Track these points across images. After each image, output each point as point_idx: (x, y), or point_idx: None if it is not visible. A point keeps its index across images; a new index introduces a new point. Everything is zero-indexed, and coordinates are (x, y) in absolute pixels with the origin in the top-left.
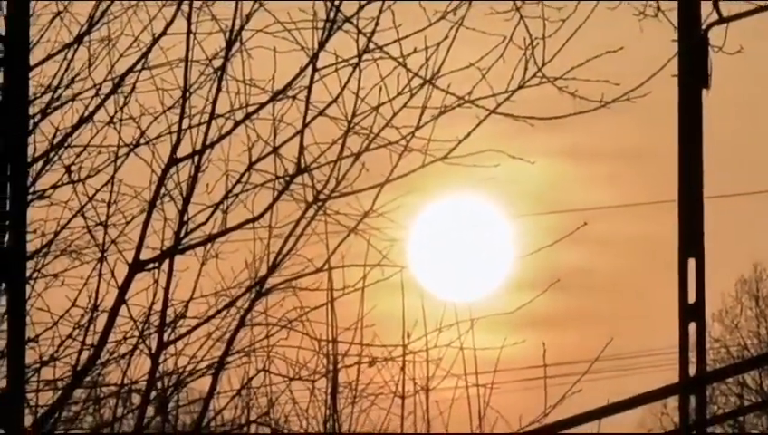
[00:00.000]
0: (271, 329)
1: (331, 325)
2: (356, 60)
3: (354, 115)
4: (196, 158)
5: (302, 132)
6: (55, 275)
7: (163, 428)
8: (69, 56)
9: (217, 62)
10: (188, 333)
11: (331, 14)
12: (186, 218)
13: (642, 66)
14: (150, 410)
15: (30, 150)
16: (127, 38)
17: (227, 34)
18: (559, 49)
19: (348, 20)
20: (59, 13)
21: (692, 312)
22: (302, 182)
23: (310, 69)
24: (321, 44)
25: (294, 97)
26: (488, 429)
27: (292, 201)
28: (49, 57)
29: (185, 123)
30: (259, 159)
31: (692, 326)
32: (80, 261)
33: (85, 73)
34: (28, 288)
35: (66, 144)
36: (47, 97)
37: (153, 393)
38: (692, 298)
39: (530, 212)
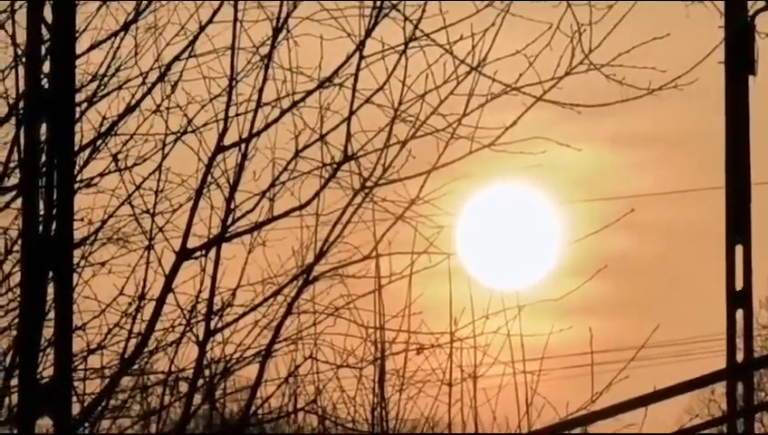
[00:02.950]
0: (318, 317)
1: (379, 313)
2: (402, 47)
3: (401, 103)
4: (243, 146)
5: (348, 120)
6: (102, 264)
7: (210, 415)
8: (115, 44)
9: (264, 50)
10: (235, 320)
11: (378, 2)
12: (232, 206)
13: (689, 53)
14: (197, 398)
15: (77, 139)
16: (173, 26)
17: (274, 22)
18: (605, 36)
19: (394, 7)
20: (105, 1)
21: (739, 298)
22: (348, 170)
23: (356, 56)
24: (368, 32)
25: (341, 85)
26: (535, 416)
27: (339, 189)
28: (95, 45)
29: (231, 111)
30: (306, 147)
31: (739, 313)
32: (127, 249)
33: (131, 62)
34: (75, 276)
35: (113, 132)
36: (93, 85)
37: (200, 381)
38: (739, 285)
39: (576, 199)
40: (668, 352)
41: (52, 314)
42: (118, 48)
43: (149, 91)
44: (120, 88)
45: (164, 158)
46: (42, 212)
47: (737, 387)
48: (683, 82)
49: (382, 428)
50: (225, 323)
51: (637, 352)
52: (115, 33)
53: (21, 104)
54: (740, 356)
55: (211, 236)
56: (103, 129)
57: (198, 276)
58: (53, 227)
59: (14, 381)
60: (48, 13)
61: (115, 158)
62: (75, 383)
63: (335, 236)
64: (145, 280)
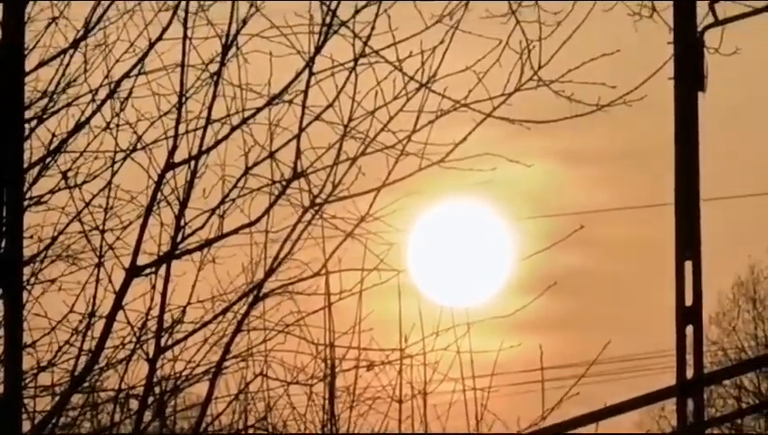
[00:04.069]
0: (268, 333)
1: (329, 329)
2: (352, 64)
3: (350, 119)
4: (193, 163)
5: (298, 137)
6: (52, 281)
7: (161, 433)
8: (65, 61)
9: (213, 67)
10: (186, 338)
11: (327, 18)
12: (182, 223)
13: (638, 69)
14: (148, 415)
15: (26, 156)
16: (123, 43)
17: (223, 39)
18: (555, 52)
19: (344, 24)
20: (55, 18)
21: (689, 314)
22: (298, 186)
23: (306, 73)
24: (318, 49)
25: (291, 101)
26: (486, 431)
27: (289, 206)
28: (44, 62)
29: (181, 128)
30: (255, 164)
31: (689, 329)
32: (77, 266)
33: (81, 79)
34: (25, 294)
35: (62, 149)
36: (43, 102)
37: (150, 398)
38: (689, 301)
39: (527, 215)
40: (619, 369)
41: (1, 332)
42: (67, 65)
43: (99, 108)
44: (69, 105)
45: (113, 175)
46: None
47: (687, 403)
48: (632, 97)
49: None
50: (175, 341)
51: (587, 368)
52: (64, 51)
53: None
54: (690, 372)
55: (161, 254)
56: (53, 146)
57: (148, 293)
58: (3, 244)
59: None
60: None
61: (65, 175)
62: (25, 401)
63: (285, 253)
64: (95, 297)
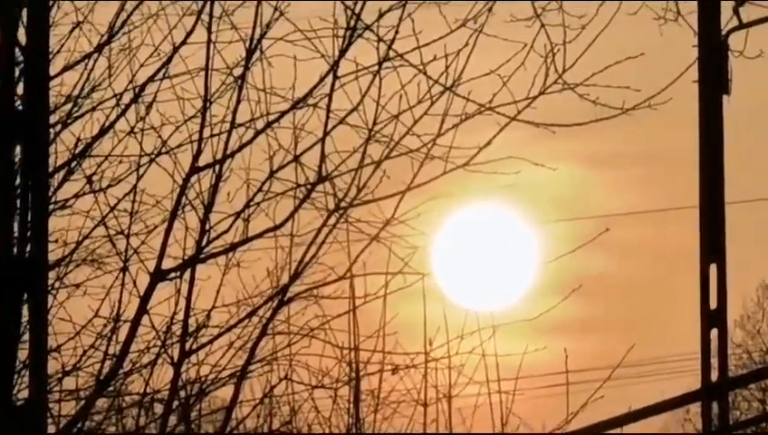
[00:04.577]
0: (293, 337)
1: (354, 333)
2: (376, 68)
3: (375, 123)
4: (217, 167)
5: (323, 141)
6: (77, 285)
7: None
8: (89, 66)
9: (238, 71)
10: (210, 342)
11: (352, 22)
12: (207, 227)
13: (663, 72)
14: (173, 420)
15: (51, 160)
16: (147, 48)
17: (248, 43)
18: (579, 55)
19: (368, 28)
20: (79, 23)
21: (714, 317)
22: (323, 190)
23: (330, 77)
24: (342, 52)
25: (315, 105)
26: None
27: (314, 209)
28: (69, 67)
29: (206, 132)
30: (280, 168)
31: (714, 332)
32: (102, 271)
33: (105, 83)
34: (50, 298)
35: (87, 154)
36: (68, 107)
37: (175, 402)
38: (714, 304)
39: (551, 219)
40: (643, 372)
41: (26, 336)
42: (92, 69)
43: (124, 112)
44: (93, 109)
45: (138, 179)
46: (16, 234)
47: (712, 406)
48: (657, 101)
49: None
50: (200, 345)
51: (612, 371)
52: (89, 55)
53: None
54: (715, 376)
55: (186, 258)
56: (78, 150)
57: (173, 298)
58: (28, 248)
59: None
60: (22, 34)
61: (89, 179)
62: (50, 405)
63: (310, 257)
64: (120, 301)
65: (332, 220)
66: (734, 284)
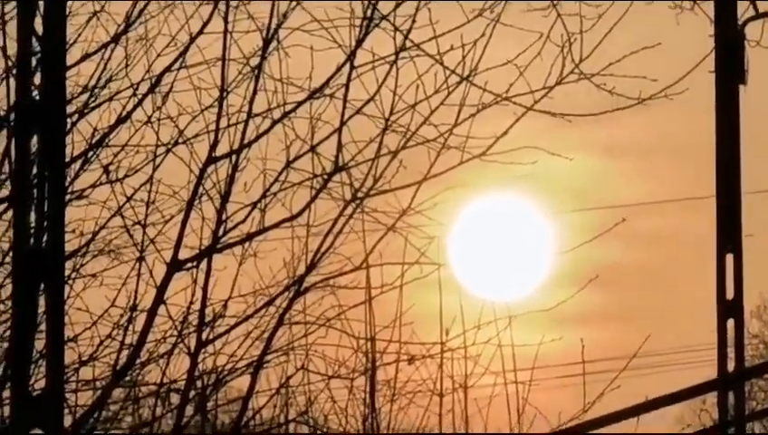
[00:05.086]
0: (309, 327)
1: (370, 323)
2: (393, 58)
3: (392, 113)
4: (234, 157)
5: (339, 130)
6: (94, 275)
7: (202, 427)
8: (106, 56)
9: (254, 61)
10: (227, 332)
11: (368, 12)
12: (224, 217)
13: (680, 62)
14: (189, 410)
15: (68, 150)
16: (164, 37)
17: (264, 33)
18: (596, 45)
19: (385, 18)
20: (96, 12)
21: (730, 308)
22: (339, 180)
23: (347, 67)
24: (359, 42)
25: (332, 95)
26: (527, 426)
27: (330, 199)
28: (86, 57)
29: (222, 122)
30: (297, 158)
31: (730, 322)
32: (118, 261)
33: (122, 73)
34: (67, 288)
35: (104, 144)
36: (84, 97)
37: (192, 393)
38: (730, 294)
39: (568, 209)
40: (660, 362)
41: (43, 326)
42: (108, 59)
43: (140, 102)
44: (110, 99)
45: (155, 169)
46: (33, 224)
47: (728, 397)
48: (673, 91)
49: None
50: (216, 335)
51: (628, 361)
52: (105, 45)
53: (11, 116)
54: (731, 366)
55: (202, 248)
56: (94, 140)
57: (190, 288)
58: (45, 238)
59: (6, 394)
60: (39, 24)
61: (106, 169)
62: (67, 395)
63: (326, 247)
64: (136, 291)
65: (349, 210)
66: (750, 274)
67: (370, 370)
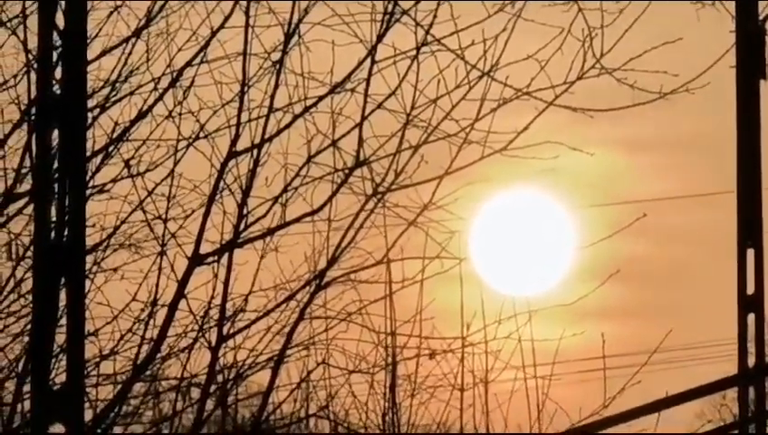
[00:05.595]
0: (330, 322)
1: (391, 318)
2: (414, 52)
3: (413, 108)
4: (255, 151)
5: (360, 125)
6: (115, 270)
7: (223, 422)
8: (127, 50)
9: (276, 56)
10: (248, 326)
11: (389, 7)
12: (245, 212)
13: (701, 57)
14: (210, 404)
15: (89, 144)
16: (185, 32)
17: (285, 28)
18: (617, 40)
19: (406, 12)
20: (117, 7)
21: (751, 302)
22: (361, 175)
23: (368, 62)
24: (380, 37)
25: (353, 90)
26: (547, 421)
27: (352, 194)
28: (107, 51)
29: (243, 117)
30: (318, 153)
31: (751, 317)
32: (139, 255)
33: (143, 68)
34: (88, 282)
35: (125, 138)
36: (105, 91)
37: (213, 387)
38: (751, 289)
39: (589, 203)
40: (681, 357)
41: (64, 320)
42: (129, 54)
43: (161, 96)
44: (131, 94)
45: (176, 163)
46: (54, 218)
47: (749, 392)
48: (695, 85)
49: (394, 433)
50: (237, 329)
51: (649, 356)
52: (127, 39)
53: (33, 110)
54: (751, 361)
55: (223, 242)
56: (115, 134)
57: (211, 282)
58: (66, 233)
59: (27, 388)
60: (60, 18)
61: (127, 163)
62: (88, 389)
63: (347, 242)
64: (157, 286)
65: (370, 205)
66: None
67: (391, 364)
